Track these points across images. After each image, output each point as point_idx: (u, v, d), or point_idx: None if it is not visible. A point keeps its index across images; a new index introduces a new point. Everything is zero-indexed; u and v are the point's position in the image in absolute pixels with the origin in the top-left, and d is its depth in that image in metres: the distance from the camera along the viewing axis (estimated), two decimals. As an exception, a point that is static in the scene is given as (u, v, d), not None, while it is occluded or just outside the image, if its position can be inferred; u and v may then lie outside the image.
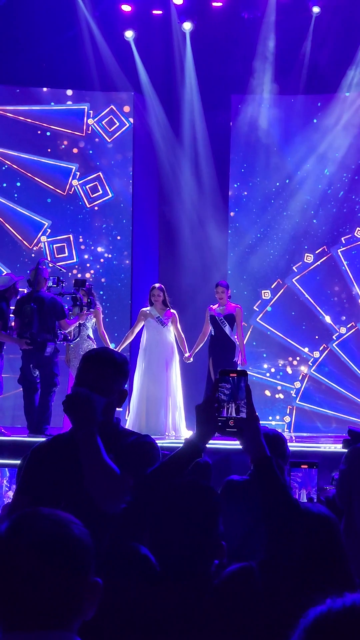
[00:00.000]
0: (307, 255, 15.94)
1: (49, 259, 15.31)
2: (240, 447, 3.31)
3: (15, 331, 12.14)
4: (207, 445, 3.39)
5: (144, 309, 13.30)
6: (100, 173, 16.12)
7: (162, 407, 13.01)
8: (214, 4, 15.59)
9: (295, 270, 15.94)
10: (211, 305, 13.43)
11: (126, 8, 15.70)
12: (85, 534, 2.17)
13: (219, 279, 14.42)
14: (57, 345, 12.34)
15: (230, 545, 3.36)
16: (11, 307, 12.43)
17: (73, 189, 16.10)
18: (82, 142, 16.15)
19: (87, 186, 16.11)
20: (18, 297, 12.48)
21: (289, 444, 6.08)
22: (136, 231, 16.10)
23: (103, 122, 16.13)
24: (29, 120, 15.97)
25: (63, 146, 16.09)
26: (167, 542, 3.00)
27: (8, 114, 15.95)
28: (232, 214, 16.13)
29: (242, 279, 15.77)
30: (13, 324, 12.24)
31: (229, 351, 13.12)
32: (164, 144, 16.27)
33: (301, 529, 3.09)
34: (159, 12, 15.81)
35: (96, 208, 16.12)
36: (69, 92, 16.04)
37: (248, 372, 3.39)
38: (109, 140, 16.14)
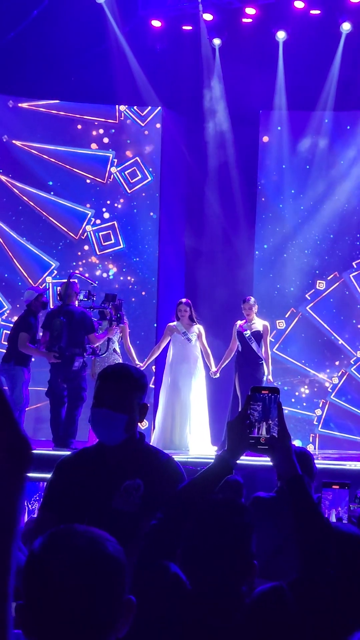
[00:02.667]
0: (320, 282, 15.89)
1: (97, 250, 15.40)
2: (269, 463, 3.29)
3: (44, 345, 12.18)
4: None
5: (171, 324, 13.31)
6: (137, 157, 16.19)
7: (187, 422, 13.00)
8: (244, 20, 15.62)
9: (309, 298, 15.90)
10: (238, 322, 13.41)
11: (156, 24, 15.75)
12: (120, 551, 2.15)
13: (246, 295, 14.40)
14: (86, 360, 12.37)
15: (258, 562, 3.34)
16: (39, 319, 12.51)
17: (112, 176, 16.17)
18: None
19: (126, 172, 16.15)
20: (48, 310, 12.53)
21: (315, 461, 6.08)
22: (162, 247, 16.12)
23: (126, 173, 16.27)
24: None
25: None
26: (199, 560, 2.98)
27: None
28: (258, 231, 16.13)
29: (266, 299, 15.74)
30: (41, 337, 12.29)
31: (256, 367, 13.11)
32: (192, 158, 16.29)
33: (333, 548, 3.07)
34: (189, 27, 15.85)
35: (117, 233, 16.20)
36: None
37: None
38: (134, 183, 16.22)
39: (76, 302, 12.43)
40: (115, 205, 16.24)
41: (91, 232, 16.20)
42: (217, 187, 16.16)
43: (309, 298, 15.91)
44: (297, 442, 14.51)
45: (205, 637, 2.89)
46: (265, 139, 16.16)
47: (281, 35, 15.61)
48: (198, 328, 13.23)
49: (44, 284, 15.83)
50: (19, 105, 16.07)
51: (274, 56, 15.72)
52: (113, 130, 16.26)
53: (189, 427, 12.98)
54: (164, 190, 16.25)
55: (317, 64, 15.61)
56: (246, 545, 3.00)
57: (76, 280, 12.85)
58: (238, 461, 3.33)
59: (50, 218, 16.08)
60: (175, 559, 3.07)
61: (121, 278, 16.10)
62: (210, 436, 13.20)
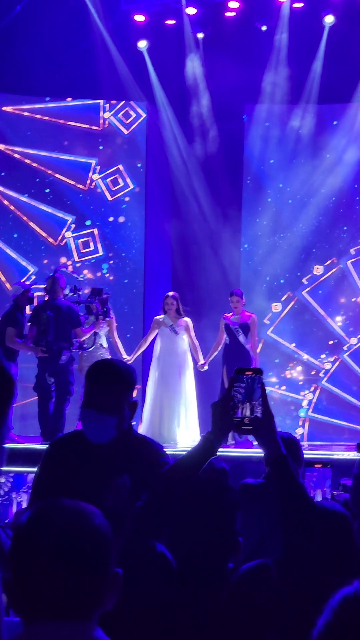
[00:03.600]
0: (317, 267, 15.92)
1: (75, 257, 15.37)
2: (257, 455, 3.32)
3: (31, 339, 12.19)
4: (221, 453, 3.39)
5: (158, 317, 13.30)
6: (118, 172, 16.19)
7: (176, 415, 13.00)
8: (227, 13, 15.63)
9: (305, 282, 15.93)
10: (226, 314, 13.42)
11: (139, 18, 15.76)
12: (106, 524, 2.17)
13: (233, 287, 14.42)
14: (73, 354, 12.38)
15: (246, 547, 3.37)
16: (27, 314, 12.51)
17: (94, 183, 16.16)
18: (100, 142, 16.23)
19: (108, 179, 16.16)
20: (34, 305, 12.54)
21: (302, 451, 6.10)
22: (149, 241, 16.12)
23: (119, 114, 16.24)
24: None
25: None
26: (184, 539, 3.00)
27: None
28: (244, 223, 16.15)
29: (254, 289, 15.74)
30: (28, 331, 12.29)
31: (243, 360, 13.10)
32: (176, 153, 16.29)
33: (316, 525, 3.10)
34: (173, 22, 15.85)
35: (110, 219, 16.18)
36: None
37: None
38: (126, 132, 16.21)
39: (62, 297, 12.44)
40: (101, 208, 16.25)
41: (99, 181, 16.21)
42: (203, 181, 16.18)
43: (305, 282, 15.91)
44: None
45: (192, 615, 2.91)
46: (250, 132, 16.17)
47: (264, 28, 15.62)
48: (185, 321, 13.23)
49: (65, 240, 15.92)
50: (3, 109, 16.04)
51: (258, 49, 15.72)
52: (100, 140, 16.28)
53: (177, 420, 12.98)
54: (149, 186, 16.25)
55: (301, 57, 15.63)
56: (231, 523, 3.02)
57: (61, 275, 12.84)
58: (226, 453, 3.36)
59: (56, 174, 16.05)
60: (161, 538, 3.09)
61: (108, 276, 16.08)
62: (199, 429, 13.20)
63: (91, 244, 16.07)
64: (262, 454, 3.58)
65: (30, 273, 15.92)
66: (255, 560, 3.15)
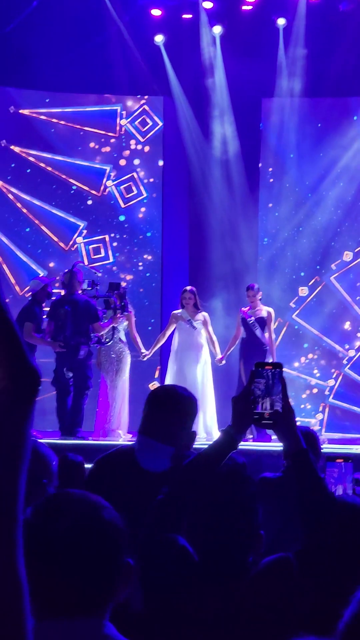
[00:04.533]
0: (347, 253, 15.87)
1: (85, 262, 15.36)
2: (275, 449, 3.33)
3: (49, 334, 12.21)
4: (240, 447, 3.39)
5: (175, 311, 13.31)
6: (134, 173, 16.18)
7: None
8: (244, 7, 15.61)
9: (334, 268, 15.88)
10: (243, 308, 13.42)
11: (156, 12, 15.75)
12: (116, 517, 2.16)
13: (250, 280, 14.42)
14: (91, 348, 12.39)
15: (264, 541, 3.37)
16: (45, 309, 12.52)
17: (107, 189, 16.16)
18: (113, 145, 16.22)
19: (122, 186, 16.16)
20: (52, 300, 12.56)
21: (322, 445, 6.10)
22: (166, 234, 16.12)
23: (136, 122, 16.22)
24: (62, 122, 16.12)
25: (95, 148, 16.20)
26: (206, 532, 3.01)
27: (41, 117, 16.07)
28: (262, 215, 16.13)
29: (273, 277, 15.71)
30: (46, 326, 12.31)
31: (260, 354, 13.10)
32: (194, 147, 16.28)
33: (337, 519, 3.11)
34: (189, 16, 15.84)
35: (123, 220, 16.18)
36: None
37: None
38: (142, 140, 16.20)
39: (80, 291, 12.45)
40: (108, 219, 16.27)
41: (113, 187, 16.21)
42: (220, 174, 16.15)
43: (334, 268, 15.86)
44: (305, 420, 14.53)
45: (213, 609, 2.92)
46: (267, 125, 16.14)
47: (281, 22, 15.60)
48: (203, 315, 13.24)
49: (76, 246, 15.93)
50: (20, 111, 16.04)
51: (274, 43, 15.69)
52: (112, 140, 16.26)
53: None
54: (166, 182, 16.24)
55: (318, 50, 15.58)
56: (252, 516, 3.03)
57: (79, 270, 12.86)
58: (244, 447, 3.36)
59: (70, 179, 16.08)
60: (182, 531, 3.10)
61: (128, 266, 16.09)
62: (216, 423, 13.21)
63: (102, 251, 16.05)
64: (281, 448, 3.59)
65: (80, 227, 15.98)
66: (274, 553, 3.16)
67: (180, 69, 16.01)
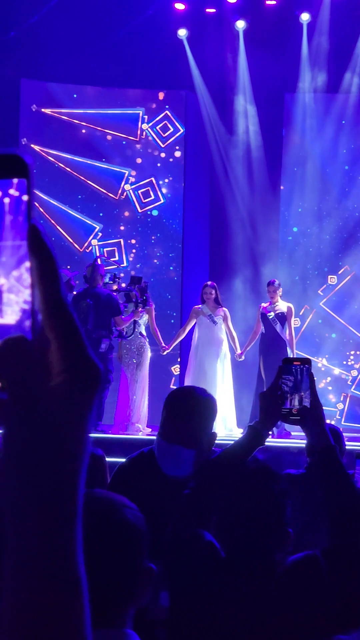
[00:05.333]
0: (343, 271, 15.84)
1: (105, 256, 15.35)
2: (296, 445, 3.31)
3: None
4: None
5: (196, 306, 13.30)
6: (152, 178, 16.15)
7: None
8: (268, 2, 15.57)
9: (321, 295, 15.85)
10: (262, 304, 13.40)
11: (180, 6, 15.73)
12: (140, 519, 2.12)
13: (271, 275, 14.39)
14: (112, 342, 12.41)
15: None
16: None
17: (125, 193, 16.13)
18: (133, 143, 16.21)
19: (140, 191, 16.14)
20: (74, 293, 12.57)
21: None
22: (187, 230, 16.10)
23: (157, 128, 16.19)
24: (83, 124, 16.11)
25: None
26: (234, 529, 2.99)
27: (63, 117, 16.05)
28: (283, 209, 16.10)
29: (295, 272, 15.66)
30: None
31: (280, 349, 13.07)
32: (215, 142, 16.26)
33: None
34: (213, 10, 15.80)
35: (145, 213, 16.15)
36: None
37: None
38: (163, 146, 16.16)
39: (102, 285, 12.47)
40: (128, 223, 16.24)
41: (131, 191, 16.20)
42: (243, 169, 16.12)
43: (320, 295, 15.83)
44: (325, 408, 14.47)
45: (239, 605, 2.90)
46: (290, 121, 16.09)
47: (305, 17, 15.55)
48: (223, 311, 13.22)
49: (90, 247, 15.91)
50: (42, 110, 16.04)
51: (298, 38, 15.65)
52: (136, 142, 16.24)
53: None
54: (188, 176, 16.21)
55: (342, 45, 15.54)
56: (281, 513, 3.01)
57: (102, 263, 12.89)
58: (265, 443, 3.34)
59: (88, 181, 16.06)
60: (209, 527, 3.09)
61: (138, 266, 16.08)
62: (235, 419, 13.20)
63: (116, 254, 16.02)
64: (300, 445, 3.57)
65: (96, 230, 15.99)
66: (298, 551, 3.14)
67: (203, 63, 15.98)
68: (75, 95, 16.08)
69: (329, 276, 15.84)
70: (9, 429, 0.92)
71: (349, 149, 15.91)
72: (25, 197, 0.95)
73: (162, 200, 16.11)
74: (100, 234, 16.00)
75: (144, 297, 12.72)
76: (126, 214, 16.12)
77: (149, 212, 16.12)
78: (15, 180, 0.95)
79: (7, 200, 0.95)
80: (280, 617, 2.86)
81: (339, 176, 15.93)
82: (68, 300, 0.95)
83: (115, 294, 12.50)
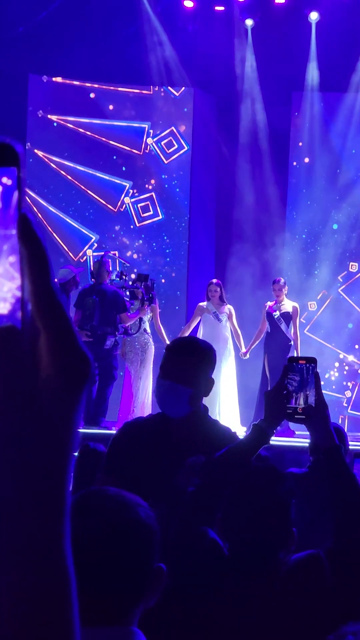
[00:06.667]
0: (352, 264, 15.80)
1: (113, 253, 15.39)
2: (298, 444, 3.32)
3: (76, 323, 12.22)
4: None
5: (201, 303, 13.30)
6: (152, 193, 16.17)
7: (217, 402, 12.99)
8: (276, 0, 15.55)
9: (341, 280, 15.81)
10: (268, 303, 13.39)
11: (188, 4, 15.72)
12: (152, 517, 2.10)
13: (276, 276, 14.38)
14: (117, 339, 12.41)
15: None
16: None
17: (124, 206, 16.14)
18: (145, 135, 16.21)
19: (140, 203, 16.17)
20: (80, 290, 12.58)
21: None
22: (193, 229, 16.11)
23: (162, 142, 16.22)
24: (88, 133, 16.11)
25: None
26: (238, 527, 3.00)
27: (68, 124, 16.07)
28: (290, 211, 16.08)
29: (298, 279, 15.64)
30: (73, 315, 12.32)
31: (285, 349, 13.07)
32: (223, 140, 16.26)
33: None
34: (221, 8, 15.79)
35: (147, 219, 16.16)
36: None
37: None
38: (166, 162, 16.17)
39: (108, 282, 12.48)
40: (147, 186, 16.21)
41: (130, 204, 16.19)
42: (249, 167, 16.12)
43: (341, 280, 15.81)
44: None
45: (242, 604, 2.91)
46: (297, 119, 16.08)
47: (314, 16, 15.54)
48: (228, 308, 13.23)
49: (85, 257, 15.89)
50: (53, 79, 16.05)
51: (306, 37, 15.64)
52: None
53: (218, 408, 12.97)
54: (195, 172, 16.21)
55: (350, 45, 15.52)
56: (285, 512, 3.01)
57: (108, 260, 12.89)
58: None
59: (89, 191, 16.06)
60: (213, 525, 3.09)
61: (148, 261, 16.08)
62: (239, 417, 13.20)
63: (150, 208, 16.10)
64: (303, 444, 3.57)
65: (92, 240, 15.99)
66: (301, 550, 3.14)
67: (211, 62, 15.97)
68: (91, 95, 16.09)
69: (350, 263, 15.80)
70: None
71: (356, 148, 15.89)
72: (8, 182, 0.95)
73: (160, 217, 16.12)
74: (95, 245, 16.00)
75: (150, 295, 12.72)
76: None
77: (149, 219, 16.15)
78: (3, 170, 0.95)
79: None
80: (282, 615, 2.87)
81: (348, 176, 15.90)
82: (58, 291, 0.94)
83: (121, 290, 12.51)
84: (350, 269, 15.81)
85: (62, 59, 15.25)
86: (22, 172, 0.95)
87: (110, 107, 16.20)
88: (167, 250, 16.11)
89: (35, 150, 15.94)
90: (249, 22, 15.75)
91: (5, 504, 0.91)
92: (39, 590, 0.92)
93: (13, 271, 0.94)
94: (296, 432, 12.05)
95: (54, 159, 16.04)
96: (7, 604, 0.91)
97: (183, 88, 16.11)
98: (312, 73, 15.87)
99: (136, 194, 16.13)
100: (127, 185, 16.13)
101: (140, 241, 16.09)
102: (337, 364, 15.74)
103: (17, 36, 15.12)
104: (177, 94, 16.18)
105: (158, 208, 16.12)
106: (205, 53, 15.86)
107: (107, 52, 15.23)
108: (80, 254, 16.01)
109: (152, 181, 16.17)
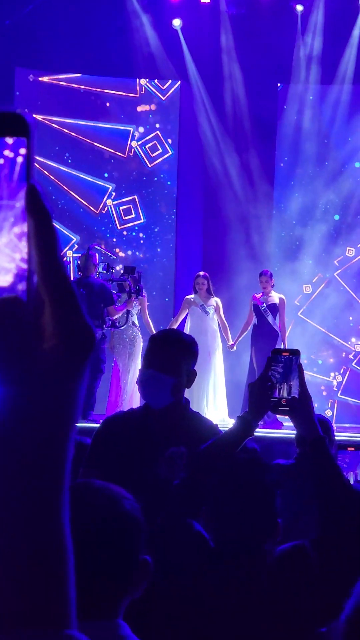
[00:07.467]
0: (349, 249, 15.82)
1: (100, 247, 15.37)
2: (286, 436, 3.33)
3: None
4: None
5: (188, 296, 13.29)
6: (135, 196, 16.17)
7: (204, 395, 13.00)
8: (262, -7, 15.54)
9: (337, 264, 15.82)
10: (255, 294, 13.39)
11: (174, -4, 15.71)
12: (137, 509, 2.10)
13: (263, 268, 14.37)
14: (105, 332, 12.41)
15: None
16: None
17: (133, 150, 16.13)
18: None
19: (121, 207, 16.15)
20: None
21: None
22: (180, 220, 16.10)
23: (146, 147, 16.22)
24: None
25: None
26: (223, 519, 3.00)
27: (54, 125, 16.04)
28: (276, 203, 16.08)
29: (285, 270, 15.65)
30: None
31: (272, 340, 13.07)
32: (210, 132, 16.23)
33: (354, 507, 3.10)
34: (207, 0, 15.76)
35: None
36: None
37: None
38: (150, 165, 16.17)
39: (95, 275, 12.46)
40: (134, 180, 16.20)
41: (112, 206, 16.18)
42: (236, 159, 16.09)
43: (337, 264, 15.81)
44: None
45: (228, 595, 2.91)
46: (284, 111, 16.08)
47: (300, 8, 15.52)
48: (216, 301, 13.22)
49: (65, 258, 15.83)
50: (40, 79, 16.01)
51: (292, 29, 15.62)
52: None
53: (205, 400, 12.98)
54: (181, 164, 16.21)
55: (336, 36, 15.52)
56: (271, 503, 3.02)
57: (95, 253, 12.87)
58: (255, 434, 3.36)
59: (71, 192, 16.05)
60: (198, 517, 3.09)
61: (138, 254, 16.06)
62: (227, 409, 13.21)
63: (132, 212, 16.08)
64: (292, 436, 3.58)
65: (73, 242, 15.96)
66: (288, 541, 3.15)
67: (197, 54, 15.95)
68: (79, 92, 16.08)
69: (347, 248, 15.81)
70: (1, 389, 0.92)
71: (345, 141, 15.90)
72: (22, 156, 0.95)
73: (170, 152, 16.13)
74: (76, 246, 15.91)
75: (137, 287, 12.71)
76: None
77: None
78: (10, 141, 0.95)
79: (1, 161, 0.95)
80: (268, 606, 2.87)
81: (333, 166, 15.92)
82: (64, 263, 0.95)
83: (108, 283, 12.50)
84: (347, 254, 15.81)
85: (49, 52, 15.18)
86: (32, 142, 0.96)
87: (101, 101, 16.17)
88: (156, 243, 16.09)
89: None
90: (235, 14, 15.70)
91: (6, 471, 0.91)
92: (36, 563, 0.92)
93: (18, 242, 0.94)
94: (284, 424, 12.06)
95: (38, 158, 15.97)
96: (4, 579, 0.91)
97: (170, 81, 16.09)
98: (299, 65, 15.86)
99: (122, 194, 16.12)
100: (110, 187, 16.12)
101: (125, 232, 16.06)
102: (329, 350, 15.77)
103: (3, 29, 15.07)
104: (162, 88, 16.16)
105: (140, 211, 16.11)
106: (191, 45, 15.85)
107: (93, 45, 15.18)
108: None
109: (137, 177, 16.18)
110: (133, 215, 16.10)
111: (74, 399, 0.93)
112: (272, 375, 3.27)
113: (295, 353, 3.31)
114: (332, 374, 15.77)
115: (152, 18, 15.67)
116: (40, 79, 15.96)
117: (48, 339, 0.92)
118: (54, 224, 0.94)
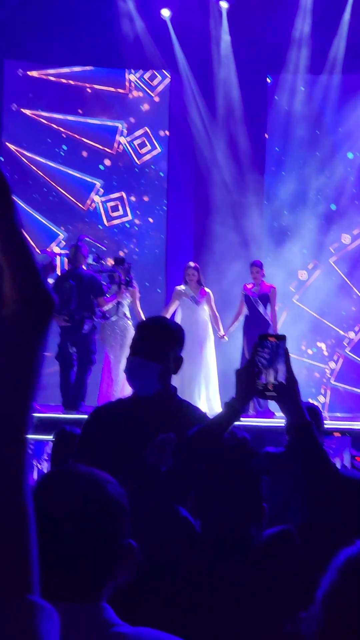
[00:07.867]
0: (344, 236, 15.83)
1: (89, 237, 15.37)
2: (277, 425, 3.33)
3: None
4: (242, 423, 3.39)
5: (179, 287, 13.28)
6: (122, 192, 16.12)
7: (196, 386, 13.00)
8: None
9: (332, 251, 15.84)
10: (246, 285, 13.40)
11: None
12: (122, 494, 2.11)
13: (254, 258, 14.37)
14: (95, 323, 12.41)
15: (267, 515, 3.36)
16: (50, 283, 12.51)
17: (121, 146, 16.07)
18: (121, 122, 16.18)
19: (109, 204, 16.12)
20: (57, 274, 12.57)
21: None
22: (171, 210, 16.09)
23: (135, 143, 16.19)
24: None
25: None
26: (210, 504, 3.00)
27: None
28: (267, 193, 16.08)
29: (277, 259, 15.65)
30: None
31: (263, 330, 13.07)
32: (200, 123, 16.22)
33: (340, 492, 3.10)
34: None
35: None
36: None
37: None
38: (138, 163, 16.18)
39: (85, 266, 12.46)
40: (123, 175, 16.19)
41: (99, 203, 16.16)
42: (226, 150, 16.09)
43: (332, 251, 15.82)
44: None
45: (214, 580, 2.91)
46: (275, 101, 16.07)
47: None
48: (206, 291, 13.22)
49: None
50: (29, 73, 15.98)
51: (283, 19, 15.59)
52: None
53: (198, 391, 12.98)
54: (171, 157, 16.20)
55: (326, 26, 15.50)
56: (256, 488, 3.02)
57: (84, 244, 12.87)
58: (246, 423, 3.36)
59: (59, 188, 16.02)
60: (185, 503, 3.10)
61: (131, 246, 16.06)
62: (219, 400, 13.21)
63: (120, 208, 16.07)
64: (283, 424, 3.58)
65: (60, 238, 15.96)
66: (277, 526, 3.15)
67: (187, 44, 15.93)
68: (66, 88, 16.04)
69: (343, 234, 15.82)
70: None
71: (335, 131, 15.90)
72: None
73: (158, 149, 16.19)
74: (63, 243, 15.92)
75: (128, 278, 12.71)
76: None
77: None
78: None
79: None
80: (255, 591, 2.88)
81: (322, 156, 15.93)
82: (23, 233, 0.95)
83: (98, 274, 12.49)
84: (342, 241, 15.82)
85: (38, 44, 15.16)
86: None
87: (88, 93, 16.16)
88: (147, 234, 16.09)
89: (7, 144, 15.89)
90: (225, 5, 15.69)
91: None
92: None
93: None
94: (276, 414, 12.08)
95: (26, 153, 15.96)
96: None
97: (159, 77, 16.08)
98: (289, 55, 15.84)
99: (110, 189, 16.11)
100: (98, 183, 16.09)
101: (116, 221, 16.06)
102: (324, 336, 15.79)
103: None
104: (152, 83, 16.14)
105: (128, 208, 16.09)
106: (181, 36, 15.83)
107: (83, 37, 15.15)
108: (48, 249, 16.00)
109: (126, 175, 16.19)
110: (121, 212, 16.08)
111: (34, 364, 0.93)
112: (259, 360, 3.27)
113: (282, 338, 3.31)
114: (326, 361, 15.79)
115: (141, 9, 15.64)
116: (29, 73, 15.93)
117: (8, 304, 0.92)
118: (12, 194, 0.94)
